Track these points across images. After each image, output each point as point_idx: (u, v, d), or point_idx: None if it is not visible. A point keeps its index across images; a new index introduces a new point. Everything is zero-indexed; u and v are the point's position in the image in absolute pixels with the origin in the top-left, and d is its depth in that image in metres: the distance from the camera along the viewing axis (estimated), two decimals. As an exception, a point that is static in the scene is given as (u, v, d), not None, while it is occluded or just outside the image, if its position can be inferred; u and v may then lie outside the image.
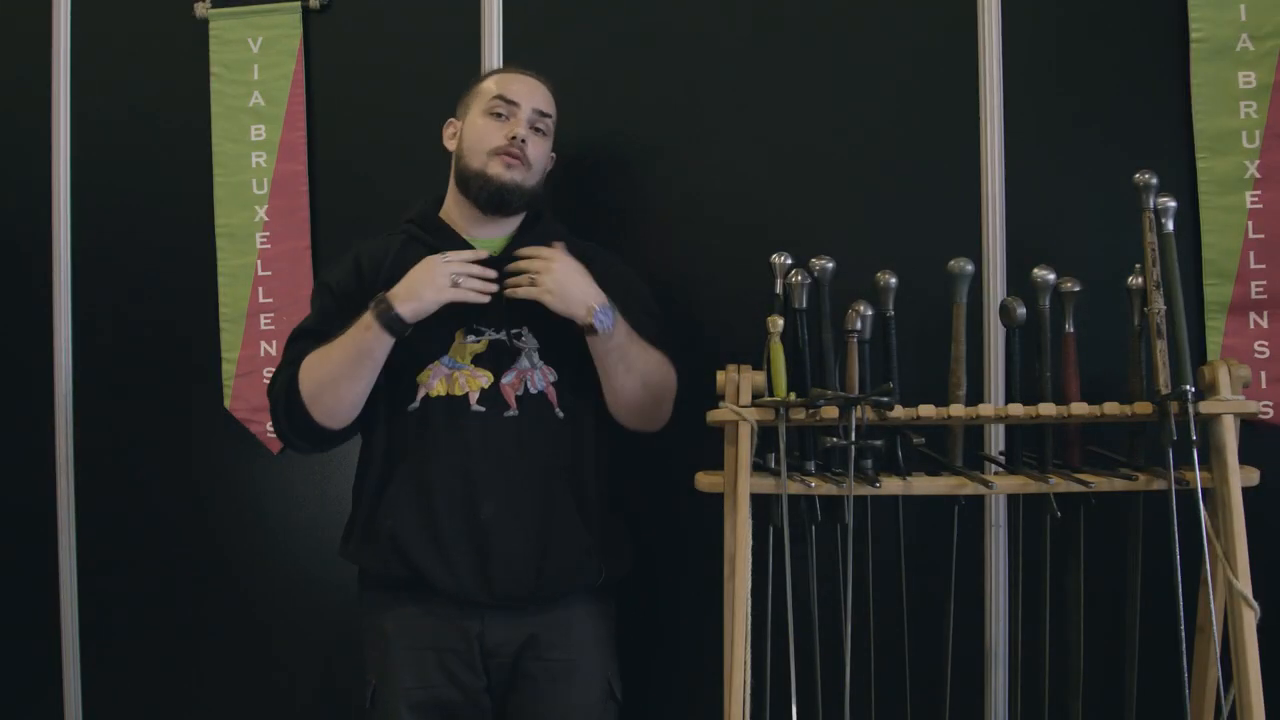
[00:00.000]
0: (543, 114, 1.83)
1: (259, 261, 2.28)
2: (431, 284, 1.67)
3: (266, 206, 2.28)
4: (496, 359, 1.76)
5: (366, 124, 2.25)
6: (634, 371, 1.73)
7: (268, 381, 1.88)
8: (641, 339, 1.75)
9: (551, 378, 1.77)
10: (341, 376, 1.71)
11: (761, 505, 1.67)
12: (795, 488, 1.65)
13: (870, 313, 1.69)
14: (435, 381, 1.75)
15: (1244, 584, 1.48)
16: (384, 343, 1.69)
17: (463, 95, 1.89)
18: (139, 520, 2.34)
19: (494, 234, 1.84)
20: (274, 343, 2.27)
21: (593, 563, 1.77)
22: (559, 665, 1.76)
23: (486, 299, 1.70)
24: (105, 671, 2.36)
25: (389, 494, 1.77)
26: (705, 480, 1.69)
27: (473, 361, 1.76)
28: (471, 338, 1.76)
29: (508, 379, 1.75)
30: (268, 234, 2.28)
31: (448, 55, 2.20)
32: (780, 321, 1.68)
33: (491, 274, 1.71)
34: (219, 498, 2.31)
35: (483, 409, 1.74)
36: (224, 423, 2.30)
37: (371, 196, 2.24)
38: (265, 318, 2.28)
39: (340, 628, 2.24)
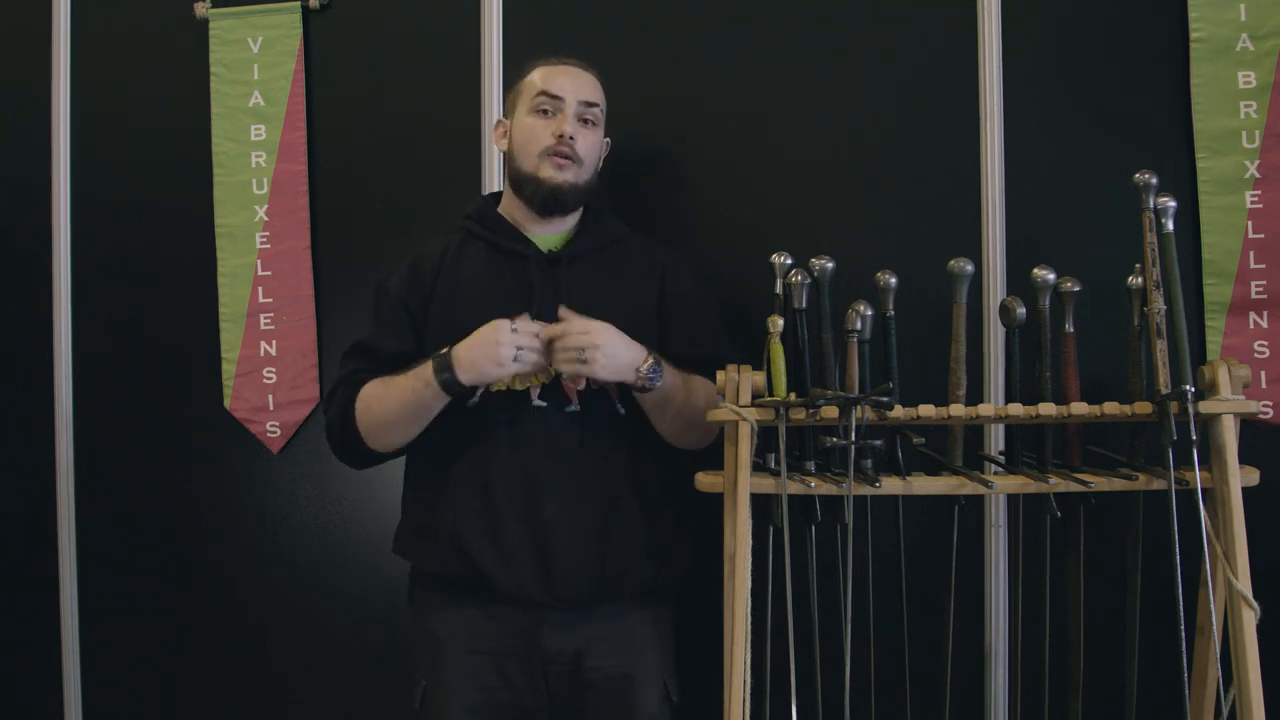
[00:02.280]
0: (590, 104, 1.80)
1: (259, 261, 2.28)
2: (495, 359, 1.62)
3: (266, 206, 2.28)
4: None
5: (366, 124, 2.25)
6: (681, 416, 1.73)
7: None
8: (688, 375, 1.73)
9: None
10: (398, 422, 1.73)
11: (761, 505, 1.67)
12: (795, 488, 1.65)
13: (870, 313, 1.68)
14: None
15: (1244, 584, 1.48)
16: (443, 400, 1.68)
17: (507, 92, 1.87)
18: (139, 520, 2.34)
19: (551, 231, 1.82)
20: (274, 343, 2.27)
21: (653, 563, 1.74)
22: (618, 673, 1.73)
23: (542, 374, 1.68)
24: (105, 672, 2.36)
25: (449, 492, 1.74)
26: (705, 480, 1.69)
27: None
28: None
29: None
30: (268, 234, 2.28)
31: (448, 55, 2.20)
32: (780, 321, 1.68)
33: (542, 346, 1.65)
34: (219, 498, 2.31)
35: (544, 404, 1.71)
36: (224, 423, 2.30)
37: (371, 196, 2.24)
38: (265, 318, 2.28)
39: (340, 628, 2.24)
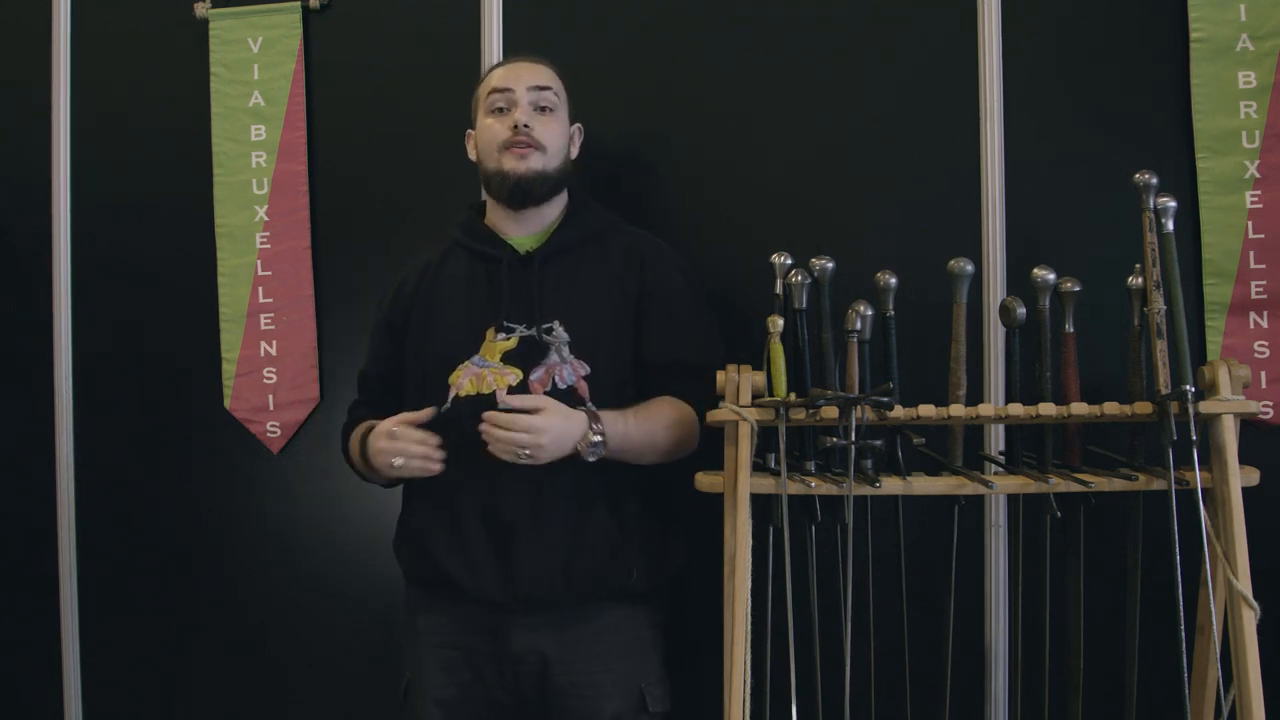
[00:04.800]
0: (541, 88, 1.79)
1: (259, 261, 2.28)
2: (385, 465, 1.69)
3: (266, 206, 2.28)
4: (526, 355, 1.73)
5: (366, 124, 2.25)
6: (645, 455, 1.71)
7: (271, 382, 1.89)
8: (644, 410, 1.71)
9: (583, 371, 1.73)
10: (365, 476, 1.85)
11: (762, 505, 1.67)
12: (795, 488, 1.65)
13: (870, 313, 1.68)
14: (465, 381, 1.73)
15: (1244, 584, 1.48)
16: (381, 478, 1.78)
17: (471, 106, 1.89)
18: (139, 520, 2.34)
19: (529, 231, 1.82)
20: (274, 343, 2.27)
21: (625, 564, 1.73)
22: (585, 678, 1.72)
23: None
24: (105, 672, 2.36)
25: (419, 495, 1.79)
26: (705, 480, 1.69)
27: (502, 359, 1.73)
28: (501, 335, 1.74)
29: (535, 375, 1.72)
30: (268, 234, 2.28)
31: (448, 55, 2.20)
32: (780, 321, 1.68)
33: (435, 445, 1.67)
34: (219, 498, 2.31)
35: (510, 407, 1.70)
36: (224, 423, 2.30)
37: (371, 196, 2.24)
38: (265, 318, 2.28)
39: (340, 628, 2.24)
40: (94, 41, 2.38)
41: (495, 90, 1.80)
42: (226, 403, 2.29)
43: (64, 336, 2.38)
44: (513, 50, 2.14)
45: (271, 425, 2.28)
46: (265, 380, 2.28)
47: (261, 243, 2.28)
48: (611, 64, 1.95)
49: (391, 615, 2.16)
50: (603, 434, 1.64)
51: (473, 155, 1.88)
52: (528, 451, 1.59)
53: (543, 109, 1.79)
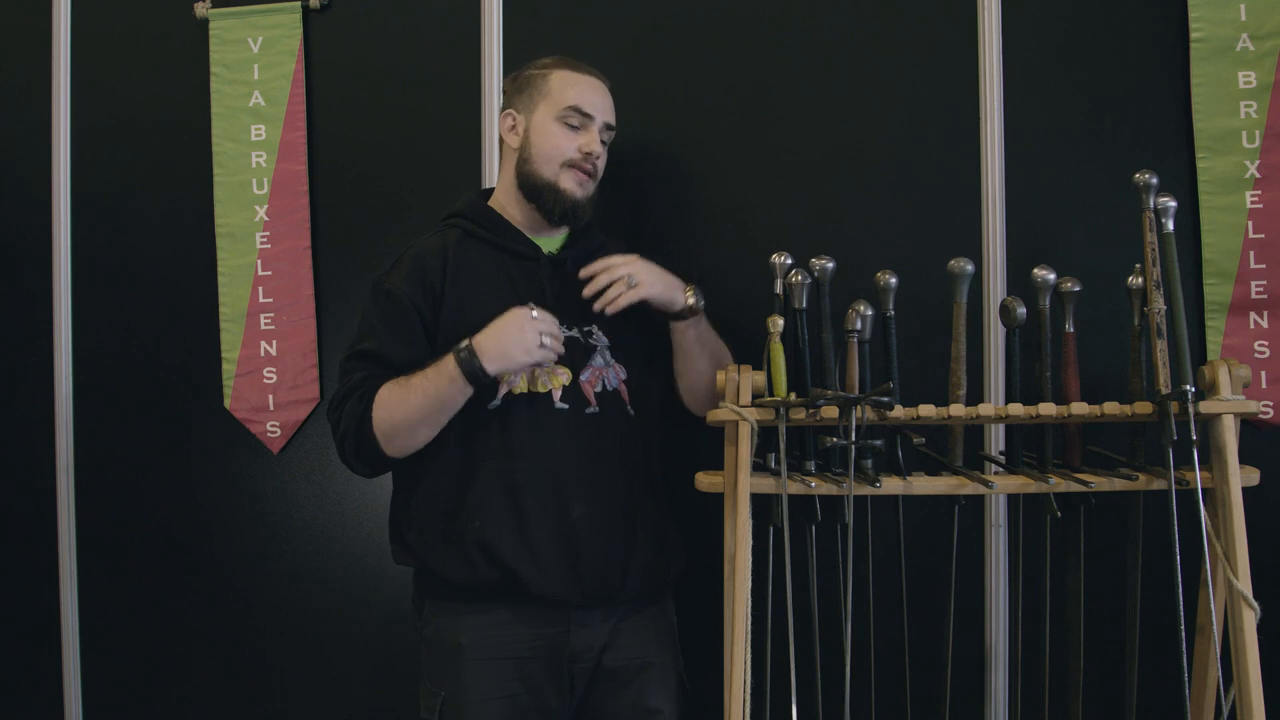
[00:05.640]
0: (611, 128, 1.84)
1: (259, 261, 2.28)
2: (521, 345, 1.63)
3: (266, 206, 2.28)
4: (572, 356, 1.73)
5: (366, 124, 2.25)
6: (710, 352, 1.80)
7: (334, 404, 1.76)
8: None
9: (622, 375, 1.77)
10: (420, 422, 1.69)
11: (762, 505, 1.67)
12: (795, 488, 1.65)
13: (870, 313, 1.68)
14: (517, 378, 1.71)
15: (1244, 584, 1.48)
16: (466, 394, 1.66)
17: (521, 84, 1.82)
18: (139, 520, 2.34)
19: (550, 234, 1.83)
20: (274, 343, 2.27)
21: (665, 559, 1.78)
22: (638, 663, 1.76)
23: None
24: (105, 672, 2.36)
25: (473, 495, 1.71)
26: (705, 480, 1.69)
27: None
28: None
29: (585, 376, 1.74)
30: (268, 234, 2.28)
31: (448, 55, 2.20)
32: (780, 321, 1.68)
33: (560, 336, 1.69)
34: (219, 498, 2.31)
35: (566, 406, 1.72)
36: (224, 423, 2.30)
37: (371, 196, 2.24)
38: (265, 318, 2.28)
39: (340, 629, 2.24)
40: (94, 41, 2.38)
41: (577, 110, 1.78)
42: (226, 403, 2.29)
43: (64, 336, 2.38)
44: (512, 52, 2.14)
45: (271, 425, 2.28)
46: (265, 380, 2.28)
47: (261, 243, 2.28)
48: (611, 64, 1.94)
49: (393, 615, 2.16)
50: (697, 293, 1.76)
51: (511, 140, 1.82)
52: (633, 279, 1.70)
53: (603, 142, 1.83)
